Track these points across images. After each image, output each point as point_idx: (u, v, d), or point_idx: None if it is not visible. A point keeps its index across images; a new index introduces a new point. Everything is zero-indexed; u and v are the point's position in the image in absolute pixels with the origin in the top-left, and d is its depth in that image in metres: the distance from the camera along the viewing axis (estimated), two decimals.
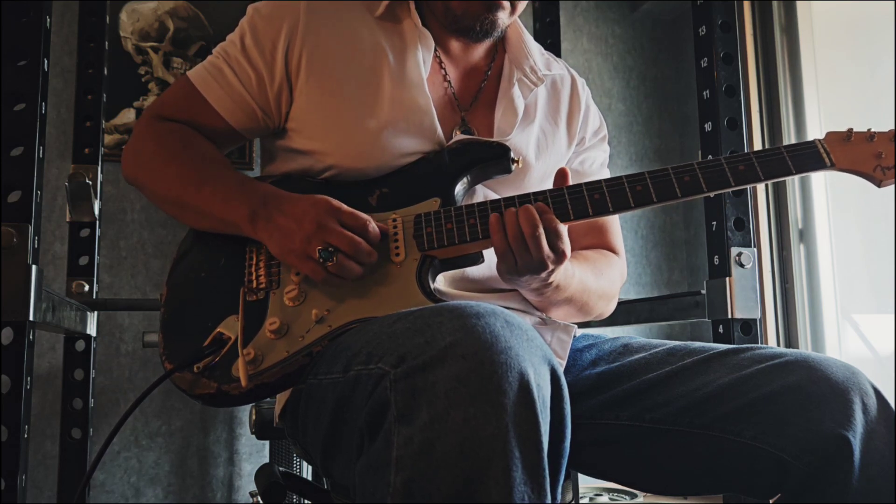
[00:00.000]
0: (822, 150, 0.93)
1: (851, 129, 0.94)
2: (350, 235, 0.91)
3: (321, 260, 0.90)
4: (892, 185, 0.93)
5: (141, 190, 1.07)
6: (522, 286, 0.98)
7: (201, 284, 1.00)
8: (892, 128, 0.94)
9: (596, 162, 1.22)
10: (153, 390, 0.92)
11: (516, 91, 1.11)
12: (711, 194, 0.95)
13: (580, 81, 1.23)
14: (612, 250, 1.19)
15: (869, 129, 0.93)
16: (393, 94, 1.04)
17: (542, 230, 0.90)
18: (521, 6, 1.08)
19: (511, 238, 0.91)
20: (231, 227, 0.99)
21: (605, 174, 1.23)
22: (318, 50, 1.05)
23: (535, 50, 1.16)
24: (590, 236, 1.17)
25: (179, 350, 0.95)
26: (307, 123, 1.06)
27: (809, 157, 0.93)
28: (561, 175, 0.97)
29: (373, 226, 0.93)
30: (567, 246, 0.92)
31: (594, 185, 0.95)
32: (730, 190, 0.96)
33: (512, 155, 1.02)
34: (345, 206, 0.93)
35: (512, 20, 1.10)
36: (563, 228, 0.92)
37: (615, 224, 1.20)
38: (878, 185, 0.93)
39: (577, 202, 0.94)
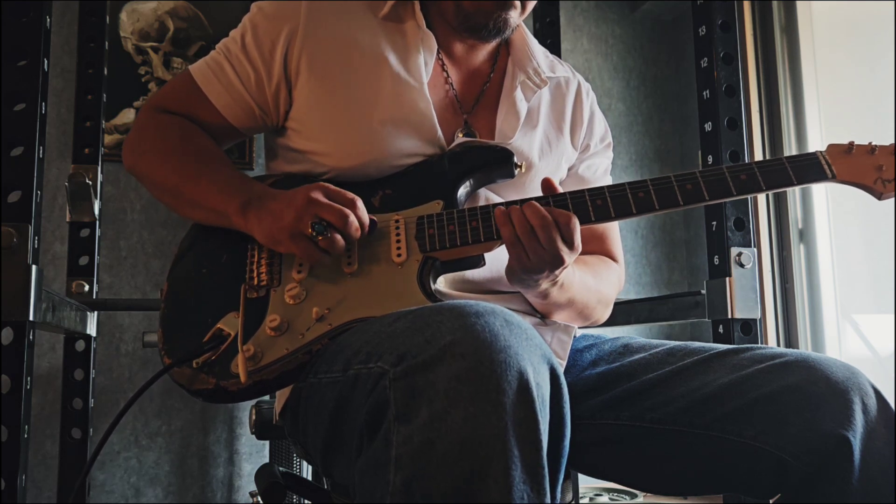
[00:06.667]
0: (823, 162, 0.95)
1: (853, 141, 0.95)
2: (339, 207, 0.91)
3: (314, 234, 0.89)
4: (892, 198, 0.94)
5: (139, 179, 1.08)
6: (531, 286, 0.97)
7: (202, 281, 1.00)
8: (893, 141, 0.95)
9: (600, 168, 1.21)
10: (152, 384, 0.92)
11: (518, 94, 1.10)
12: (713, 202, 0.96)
13: (585, 87, 1.22)
14: (612, 258, 1.19)
15: (870, 143, 0.95)
16: (393, 94, 1.04)
17: (551, 220, 0.90)
18: (531, 6, 1.07)
19: (520, 233, 0.90)
20: (222, 218, 0.99)
21: (608, 181, 1.22)
22: (319, 51, 1.05)
23: (539, 52, 1.16)
24: (590, 243, 1.16)
25: (179, 346, 0.95)
26: (307, 124, 1.06)
27: (811, 168, 0.94)
28: (547, 185, 0.96)
29: (361, 203, 0.93)
30: (579, 237, 0.91)
31: (597, 191, 0.95)
32: (731, 199, 0.97)
33: (515, 159, 1.02)
34: (332, 186, 0.93)
35: (522, 19, 1.09)
36: (575, 220, 0.91)
37: (615, 232, 1.20)
38: (879, 198, 0.95)
39: (580, 208, 0.94)
